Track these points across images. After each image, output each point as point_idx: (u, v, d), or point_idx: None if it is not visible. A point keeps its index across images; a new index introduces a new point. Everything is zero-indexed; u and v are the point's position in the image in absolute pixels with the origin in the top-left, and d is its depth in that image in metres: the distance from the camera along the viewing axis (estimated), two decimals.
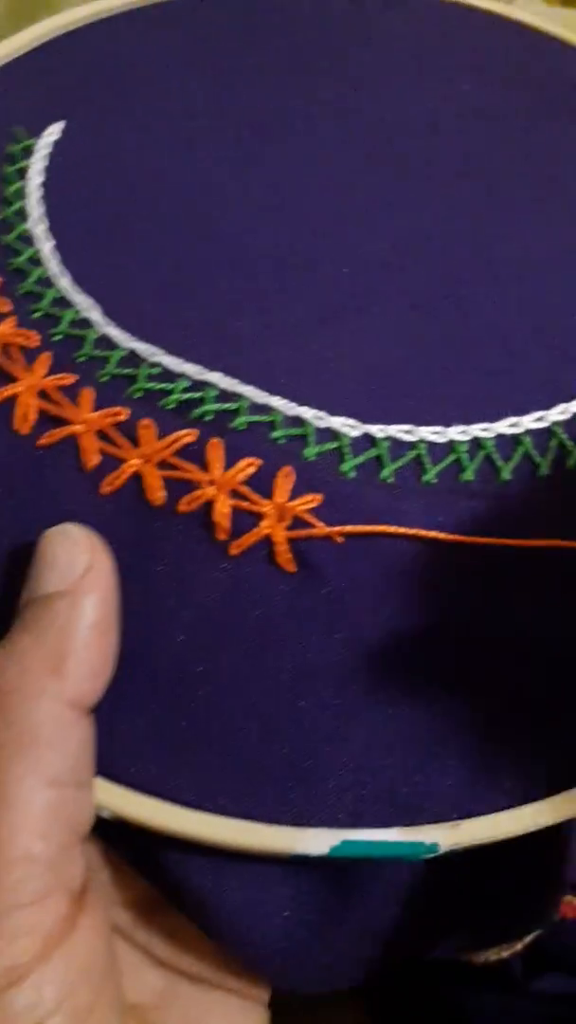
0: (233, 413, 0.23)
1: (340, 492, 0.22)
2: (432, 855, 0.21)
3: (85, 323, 0.25)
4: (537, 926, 0.25)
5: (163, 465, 0.22)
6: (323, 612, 0.21)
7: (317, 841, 0.20)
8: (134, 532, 0.22)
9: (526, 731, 0.22)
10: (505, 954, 0.26)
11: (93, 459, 0.22)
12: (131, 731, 0.21)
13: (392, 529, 0.22)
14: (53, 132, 0.29)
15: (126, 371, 0.23)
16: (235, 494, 0.22)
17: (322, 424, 0.23)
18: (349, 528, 0.22)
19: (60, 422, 0.23)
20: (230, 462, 0.22)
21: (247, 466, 0.22)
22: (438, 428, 0.23)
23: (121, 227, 0.27)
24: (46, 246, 0.26)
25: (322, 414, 0.23)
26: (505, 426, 0.24)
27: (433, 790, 0.21)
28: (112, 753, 0.21)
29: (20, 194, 0.28)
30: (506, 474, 0.23)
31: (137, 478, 0.22)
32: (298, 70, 0.32)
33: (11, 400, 0.23)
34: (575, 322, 0.26)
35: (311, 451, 0.22)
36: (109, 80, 0.31)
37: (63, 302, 0.25)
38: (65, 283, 0.25)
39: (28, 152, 0.29)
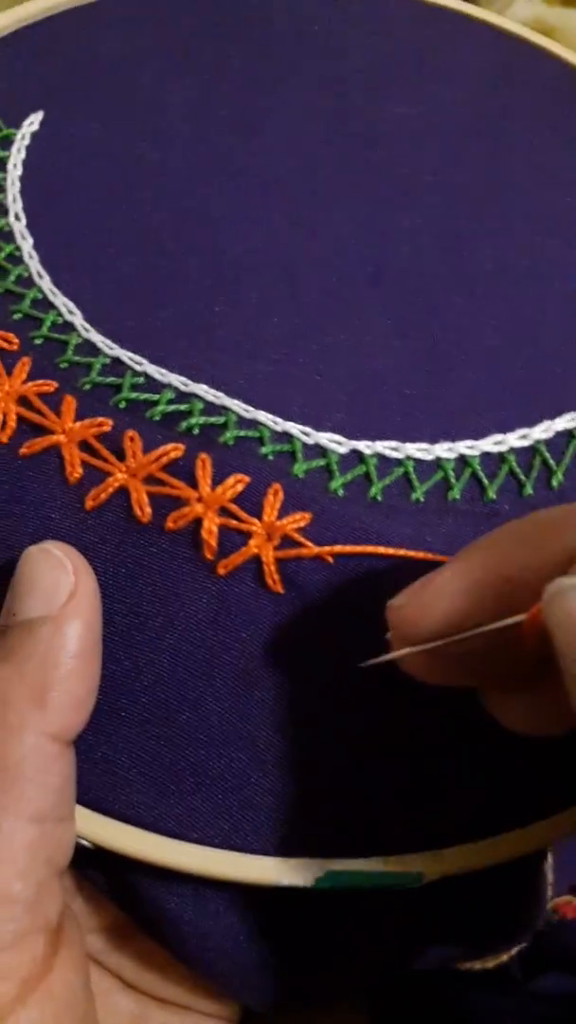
0: (220, 427, 0.22)
1: (329, 511, 0.22)
2: (416, 885, 0.21)
3: (67, 327, 0.24)
4: (522, 938, 0.25)
5: (149, 480, 0.21)
6: (311, 635, 0.21)
7: (303, 872, 0.20)
8: (117, 549, 0.21)
9: (510, 760, 0.21)
10: (491, 965, 0.26)
11: (76, 472, 0.22)
12: (113, 759, 0.20)
13: (382, 550, 0.21)
14: (32, 123, 0.28)
15: (109, 380, 0.23)
16: (223, 511, 0.21)
17: (309, 440, 0.22)
18: (339, 548, 0.21)
19: (40, 431, 0.22)
20: (218, 478, 0.21)
21: (236, 483, 0.21)
22: (424, 445, 0.23)
23: (102, 228, 0.26)
24: (26, 244, 0.25)
25: (308, 429, 0.22)
26: (490, 444, 0.23)
27: (417, 819, 0.21)
28: (94, 782, 0.20)
29: None
30: (491, 493, 0.23)
31: (122, 493, 0.21)
32: (279, 69, 0.31)
33: None
34: (557, 337, 0.26)
35: (299, 468, 0.22)
36: (90, 70, 0.30)
37: (44, 304, 0.24)
38: (46, 284, 0.24)
39: (6, 143, 0.28)
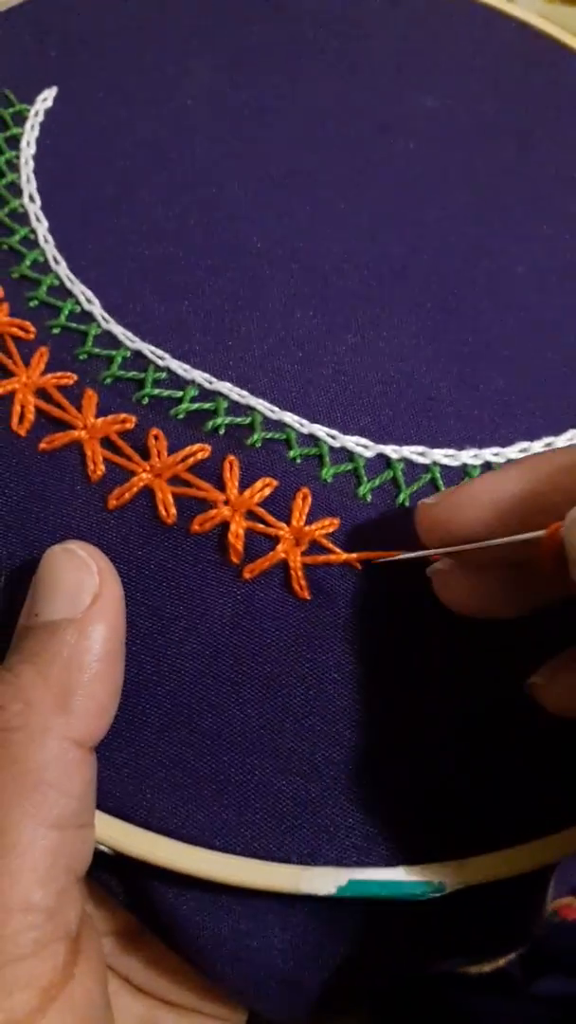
0: (247, 428, 0.21)
1: (358, 517, 0.21)
2: (439, 894, 0.20)
3: (86, 317, 0.23)
4: (524, 942, 0.25)
5: (175, 481, 0.21)
6: (337, 642, 0.21)
7: (324, 880, 0.20)
8: (140, 551, 0.21)
9: (533, 770, 0.21)
10: (487, 969, 0.26)
11: (99, 470, 0.21)
12: (134, 765, 0.20)
13: (410, 556, 0.21)
14: (46, 99, 0.27)
15: (131, 374, 0.22)
16: (251, 515, 0.21)
17: (336, 443, 0.22)
18: (368, 554, 0.21)
19: (61, 425, 0.21)
20: (246, 481, 0.21)
21: (264, 486, 0.21)
22: (451, 451, 0.22)
23: (119, 213, 0.25)
24: (41, 227, 0.24)
25: (335, 432, 0.22)
26: (516, 451, 0.23)
27: (440, 829, 0.21)
28: (115, 787, 0.20)
29: (12, 166, 0.25)
30: None
31: (147, 493, 0.21)
32: (299, 58, 0.30)
33: (5, 398, 0.22)
34: None
35: (327, 472, 0.21)
36: (107, 45, 0.29)
37: (61, 291, 0.23)
38: (63, 270, 0.24)
39: (19, 119, 0.26)
